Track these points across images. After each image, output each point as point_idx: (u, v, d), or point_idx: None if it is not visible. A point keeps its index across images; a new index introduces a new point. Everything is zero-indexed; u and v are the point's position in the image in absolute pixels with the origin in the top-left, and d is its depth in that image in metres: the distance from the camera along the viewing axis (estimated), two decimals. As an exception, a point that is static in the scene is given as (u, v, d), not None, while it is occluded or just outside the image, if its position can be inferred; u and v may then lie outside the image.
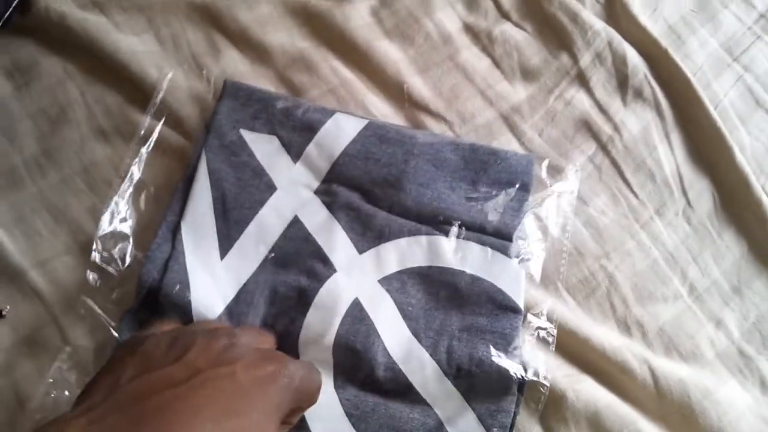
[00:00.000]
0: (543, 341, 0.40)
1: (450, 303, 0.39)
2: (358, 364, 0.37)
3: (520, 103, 0.49)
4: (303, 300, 0.38)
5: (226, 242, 0.40)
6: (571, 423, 0.38)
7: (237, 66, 0.48)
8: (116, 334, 0.37)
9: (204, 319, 0.37)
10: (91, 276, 0.39)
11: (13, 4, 0.45)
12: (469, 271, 0.40)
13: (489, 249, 0.40)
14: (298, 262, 0.40)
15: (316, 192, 0.42)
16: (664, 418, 0.39)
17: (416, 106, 0.48)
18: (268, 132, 0.43)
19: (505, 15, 0.53)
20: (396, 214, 0.41)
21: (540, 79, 0.50)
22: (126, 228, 0.40)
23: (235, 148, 0.42)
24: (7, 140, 0.43)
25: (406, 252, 0.40)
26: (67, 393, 0.36)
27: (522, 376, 0.37)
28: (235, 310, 0.38)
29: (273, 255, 0.40)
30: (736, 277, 0.45)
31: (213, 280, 0.39)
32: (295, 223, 0.41)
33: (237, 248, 0.40)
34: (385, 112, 0.47)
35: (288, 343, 0.37)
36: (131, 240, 0.40)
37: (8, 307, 0.38)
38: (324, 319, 0.38)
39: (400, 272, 0.40)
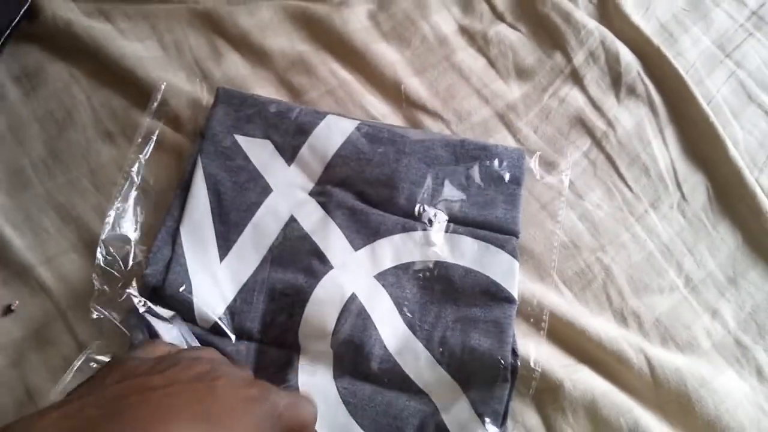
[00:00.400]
0: (535, 328, 0.40)
1: (445, 296, 0.40)
2: (356, 357, 0.38)
3: (515, 101, 0.50)
4: (301, 296, 0.39)
5: (225, 244, 0.41)
6: (568, 411, 0.38)
7: (238, 69, 0.49)
8: (126, 331, 0.37)
9: (204, 320, 0.38)
10: (97, 279, 0.39)
11: (21, 12, 0.47)
12: (462, 264, 0.40)
13: (482, 242, 0.41)
14: (295, 261, 0.40)
15: (311, 193, 0.43)
16: (661, 407, 0.40)
17: (414, 106, 0.49)
18: (261, 136, 0.44)
19: (499, 16, 0.54)
20: (390, 212, 0.42)
21: (534, 77, 0.51)
22: (128, 231, 0.41)
23: (230, 152, 0.43)
24: (15, 143, 0.45)
25: (400, 248, 0.41)
26: None
27: (512, 364, 0.37)
28: (236, 309, 0.39)
29: (271, 255, 0.41)
30: (732, 268, 0.46)
31: (213, 281, 0.40)
32: (292, 223, 0.41)
33: (236, 250, 0.41)
34: (383, 112, 0.48)
35: (288, 338, 0.38)
36: (133, 243, 0.41)
37: (17, 302, 0.39)
38: (322, 314, 0.38)
39: (395, 267, 0.41)
